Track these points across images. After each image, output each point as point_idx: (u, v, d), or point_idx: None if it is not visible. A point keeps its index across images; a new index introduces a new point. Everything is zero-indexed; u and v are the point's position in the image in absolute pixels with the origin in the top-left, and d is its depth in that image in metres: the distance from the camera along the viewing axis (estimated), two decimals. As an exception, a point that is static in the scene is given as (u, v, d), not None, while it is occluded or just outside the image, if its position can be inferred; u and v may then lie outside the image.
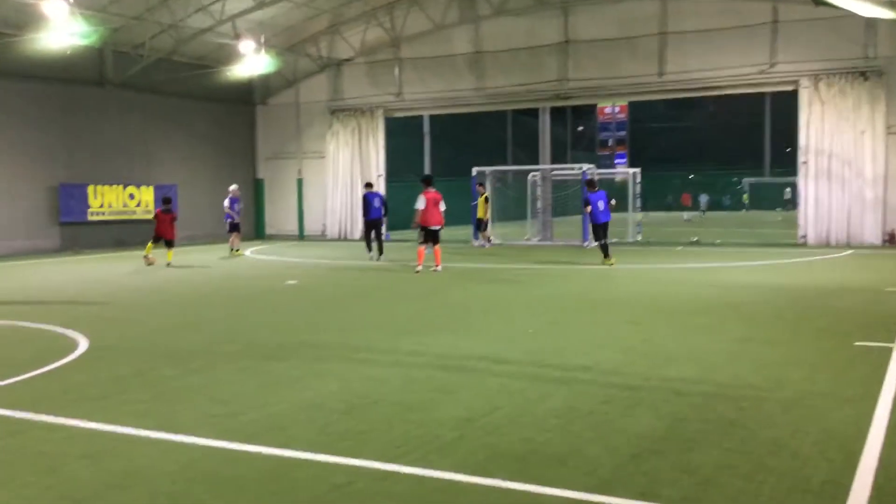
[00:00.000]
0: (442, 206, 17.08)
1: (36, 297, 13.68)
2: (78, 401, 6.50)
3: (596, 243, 18.71)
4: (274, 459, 5.03)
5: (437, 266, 16.72)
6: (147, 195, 26.56)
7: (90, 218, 24.71)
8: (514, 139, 55.69)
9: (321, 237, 30.44)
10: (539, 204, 28.37)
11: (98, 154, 25.24)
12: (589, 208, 17.87)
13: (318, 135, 30.49)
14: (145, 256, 19.23)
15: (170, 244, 19.26)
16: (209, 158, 29.37)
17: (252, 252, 24.23)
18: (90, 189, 24.81)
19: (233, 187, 23.23)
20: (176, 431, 5.59)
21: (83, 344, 8.94)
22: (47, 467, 4.90)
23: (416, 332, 9.70)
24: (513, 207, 30.02)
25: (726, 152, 64.47)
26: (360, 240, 29.31)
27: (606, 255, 17.90)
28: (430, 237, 16.89)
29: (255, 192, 31.68)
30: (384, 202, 20.75)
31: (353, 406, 6.25)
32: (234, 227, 22.63)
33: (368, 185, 21.47)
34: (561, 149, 58.98)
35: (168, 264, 18.87)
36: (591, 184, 18.62)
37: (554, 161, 29.96)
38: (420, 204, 16.87)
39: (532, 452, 5.08)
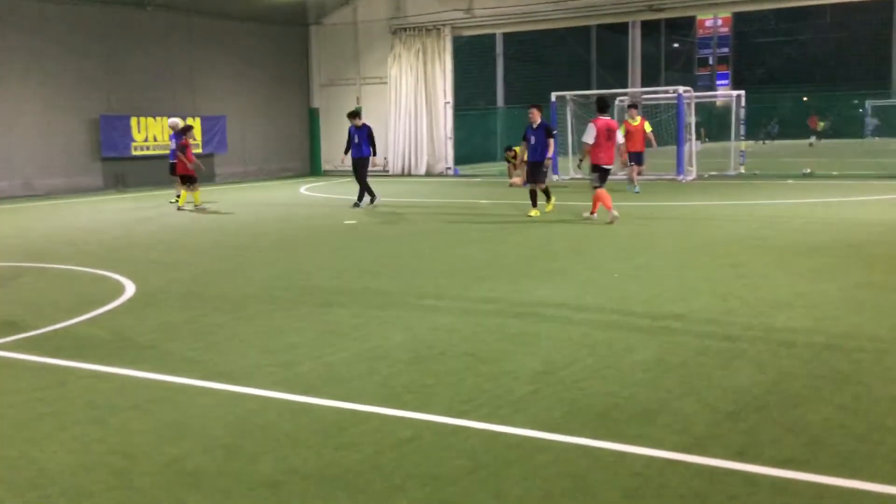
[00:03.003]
0: (619, 138, 14.95)
1: (79, 238, 14.21)
2: (126, 348, 6.79)
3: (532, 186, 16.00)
4: (334, 412, 5.18)
5: (592, 213, 14.87)
6: (194, 128, 27.03)
7: (134, 153, 25.34)
8: (599, 59, 54.56)
9: (383, 172, 30.60)
10: (627, 133, 27.85)
11: (140, 83, 25.77)
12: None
13: (379, 58, 30.48)
14: (197, 206, 18.52)
15: (192, 181, 18.53)
16: (259, 87, 29.71)
17: (306, 190, 24.59)
18: (133, 121, 25.40)
19: (173, 120, 20.12)
20: (229, 382, 5.80)
21: (130, 288, 9.29)
22: (96, 418, 5.15)
23: (488, 277, 9.76)
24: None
25: (847, 70, 61.87)
26: (424, 175, 29.52)
27: (547, 198, 16.11)
28: (604, 178, 14.56)
29: (310, 123, 31.98)
30: (369, 138, 18.31)
31: (418, 357, 6.37)
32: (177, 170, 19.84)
33: (354, 114, 18.92)
34: (654, 69, 57.57)
35: (180, 207, 18.53)
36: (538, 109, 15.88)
37: (645, 83, 29.30)
38: (590, 136, 14.33)
39: (616, 408, 5.11)
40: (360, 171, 18.38)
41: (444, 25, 29.16)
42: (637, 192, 20.03)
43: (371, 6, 30.38)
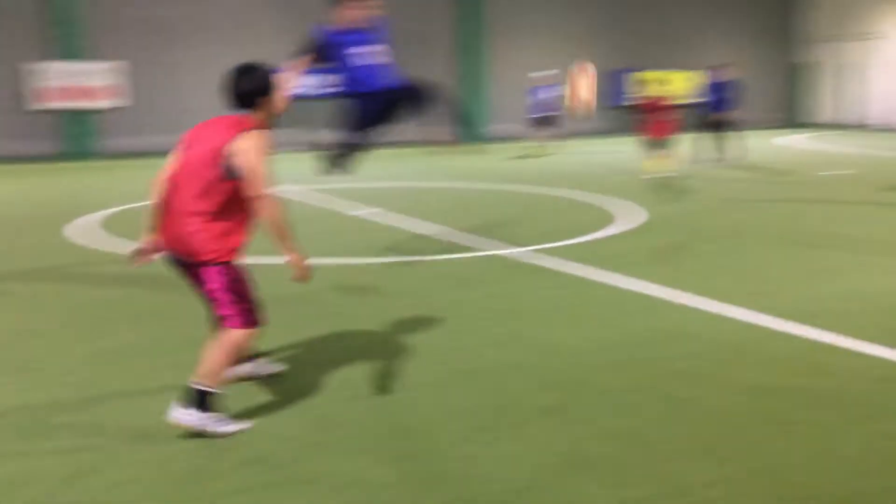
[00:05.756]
0: None
1: (602, 173, 14.69)
2: (633, 263, 7.10)
3: None
4: (805, 342, 4.93)
5: None
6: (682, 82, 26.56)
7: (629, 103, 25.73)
8: None
9: (859, 126, 27.20)
10: None
11: (642, 38, 26.07)
12: None
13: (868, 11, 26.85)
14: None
15: (662, 145, 13.06)
16: (743, 41, 28.18)
17: (810, 139, 22.83)
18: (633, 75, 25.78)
19: (541, 73, 18.63)
20: (712, 298, 5.84)
21: (642, 216, 9.68)
22: (596, 316, 5.56)
23: None
24: None
25: None
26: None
27: None
28: None
29: (792, 77, 29.58)
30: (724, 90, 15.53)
31: (898, 303, 5.72)
32: (544, 121, 18.36)
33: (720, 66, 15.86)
34: None
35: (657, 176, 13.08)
36: None
37: None
38: None
39: None
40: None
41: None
42: None
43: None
